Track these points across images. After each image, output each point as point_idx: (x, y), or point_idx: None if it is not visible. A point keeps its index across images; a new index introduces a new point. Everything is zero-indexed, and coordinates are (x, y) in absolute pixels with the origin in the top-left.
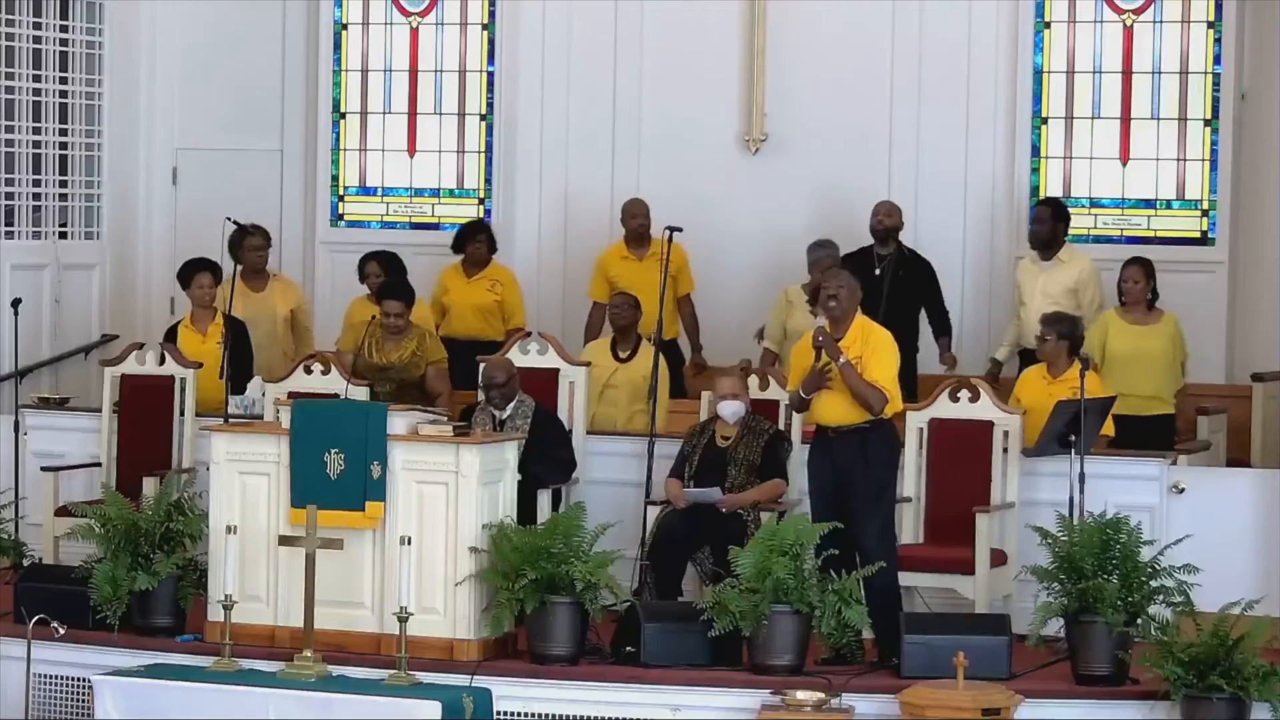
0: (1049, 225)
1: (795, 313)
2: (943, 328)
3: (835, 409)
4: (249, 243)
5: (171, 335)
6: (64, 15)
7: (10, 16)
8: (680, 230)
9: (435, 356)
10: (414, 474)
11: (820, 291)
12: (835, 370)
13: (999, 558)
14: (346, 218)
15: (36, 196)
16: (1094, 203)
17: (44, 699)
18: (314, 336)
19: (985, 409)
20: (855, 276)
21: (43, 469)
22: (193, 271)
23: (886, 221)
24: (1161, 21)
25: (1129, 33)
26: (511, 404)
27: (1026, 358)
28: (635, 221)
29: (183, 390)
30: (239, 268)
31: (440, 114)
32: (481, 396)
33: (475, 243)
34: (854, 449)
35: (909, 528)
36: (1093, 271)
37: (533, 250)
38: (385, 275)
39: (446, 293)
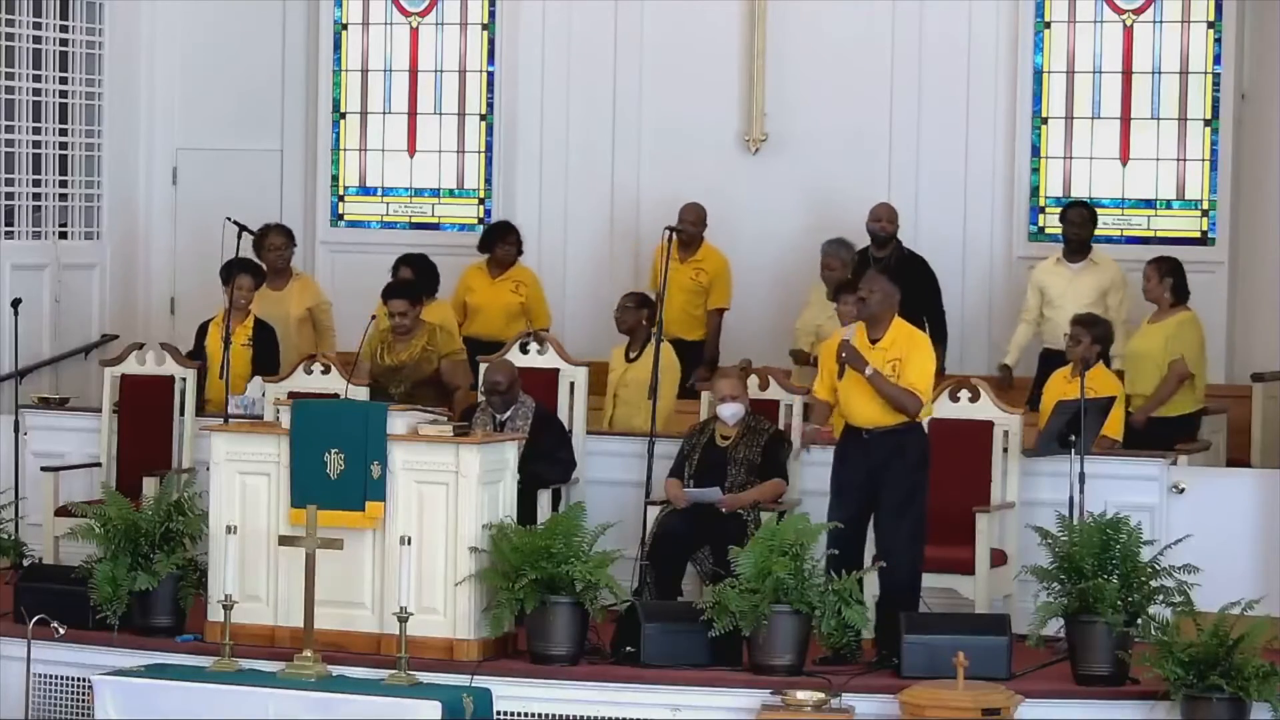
0: (1089, 228)
1: (807, 312)
2: (938, 335)
3: (869, 411)
4: (267, 242)
5: (202, 333)
6: (64, 15)
7: (10, 16)
8: (680, 230)
9: (447, 349)
10: (414, 474)
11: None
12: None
13: (999, 558)
14: (346, 218)
15: (36, 196)
16: (1094, 203)
17: (44, 699)
18: (335, 336)
19: (985, 409)
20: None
21: (43, 469)
22: (233, 272)
23: (889, 228)
24: (1161, 21)
25: (1129, 33)
26: (511, 407)
27: (1050, 359)
28: (681, 224)
29: (183, 390)
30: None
31: (440, 114)
32: (482, 398)
33: (506, 244)
34: (890, 450)
35: None
36: (1123, 275)
37: (532, 250)
38: (417, 278)
39: (471, 292)
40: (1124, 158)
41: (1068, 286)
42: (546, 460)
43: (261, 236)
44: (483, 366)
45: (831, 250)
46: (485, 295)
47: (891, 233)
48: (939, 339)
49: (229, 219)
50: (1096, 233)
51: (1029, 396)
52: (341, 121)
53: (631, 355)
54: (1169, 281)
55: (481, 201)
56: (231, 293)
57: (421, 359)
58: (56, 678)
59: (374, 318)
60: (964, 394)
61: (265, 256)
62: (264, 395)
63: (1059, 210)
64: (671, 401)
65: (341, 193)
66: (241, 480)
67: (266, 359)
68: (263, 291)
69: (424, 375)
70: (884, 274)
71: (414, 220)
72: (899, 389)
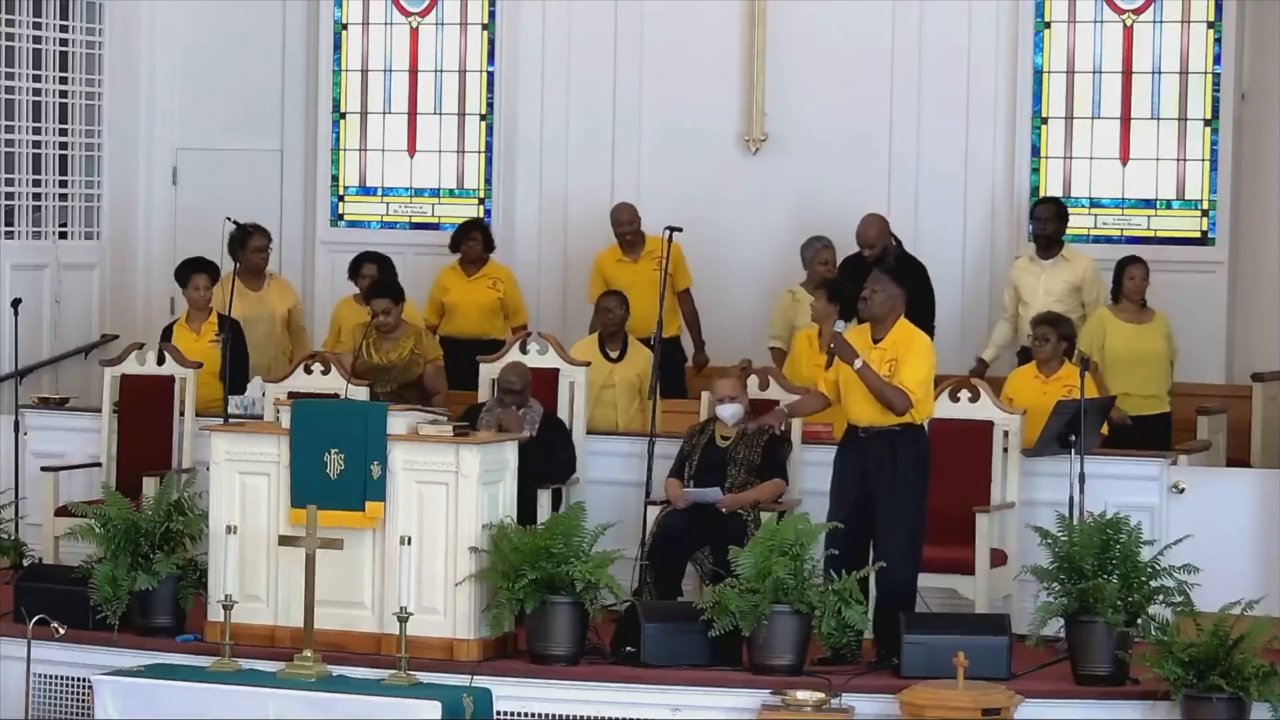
0: (1055, 224)
1: (801, 309)
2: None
3: (866, 410)
4: (253, 243)
5: (167, 335)
6: (64, 15)
7: (10, 16)
8: (680, 230)
9: (432, 354)
10: (414, 474)
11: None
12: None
13: (999, 558)
14: (346, 218)
15: (36, 196)
16: (1094, 203)
17: (44, 699)
18: (309, 337)
19: (985, 409)
20: (847, 286)
21: (43, 469)
22: (189, 272)
23: (872, 252)
24: (1161, 21)
25: (1129, 33)
26: (523, 409)
27: (1028, 356)
28: (621, 229)
29: (183, 390)
30: (236, 267)
31: (440, 114)
32: (485, 397)
33: (470, 241)
34: (883, 451)
35: None
36: (1096, 270)
37: (533, 250)
38: (380, 276)
39: (446, 292)
40: (1124, 158)
41: (1038, 283)
42: (547, 458)
43: (246, 237)
44: (483, 368)
45: (824, 245)
46: (461, 294)
47: (882, 250)
48: None
49: (229, 219)
50: (1098, 233)
51: None
52: (341, 121)
53: (613, 355)
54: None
55: (481, 201)
56: (232, 286)
57: (410, 361)
58: (56, 678)
59: (373, 316)
60: (964, 394)
61: (249, 257)
62: (264, 395)
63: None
64: (658, 401)
65: (341, 193)
66: (241, 480)
67: (235, 356)
68: (241, 291)
69: (411, 378)
70: (887, 274)
71: (414, 220)
72: (888, 385)
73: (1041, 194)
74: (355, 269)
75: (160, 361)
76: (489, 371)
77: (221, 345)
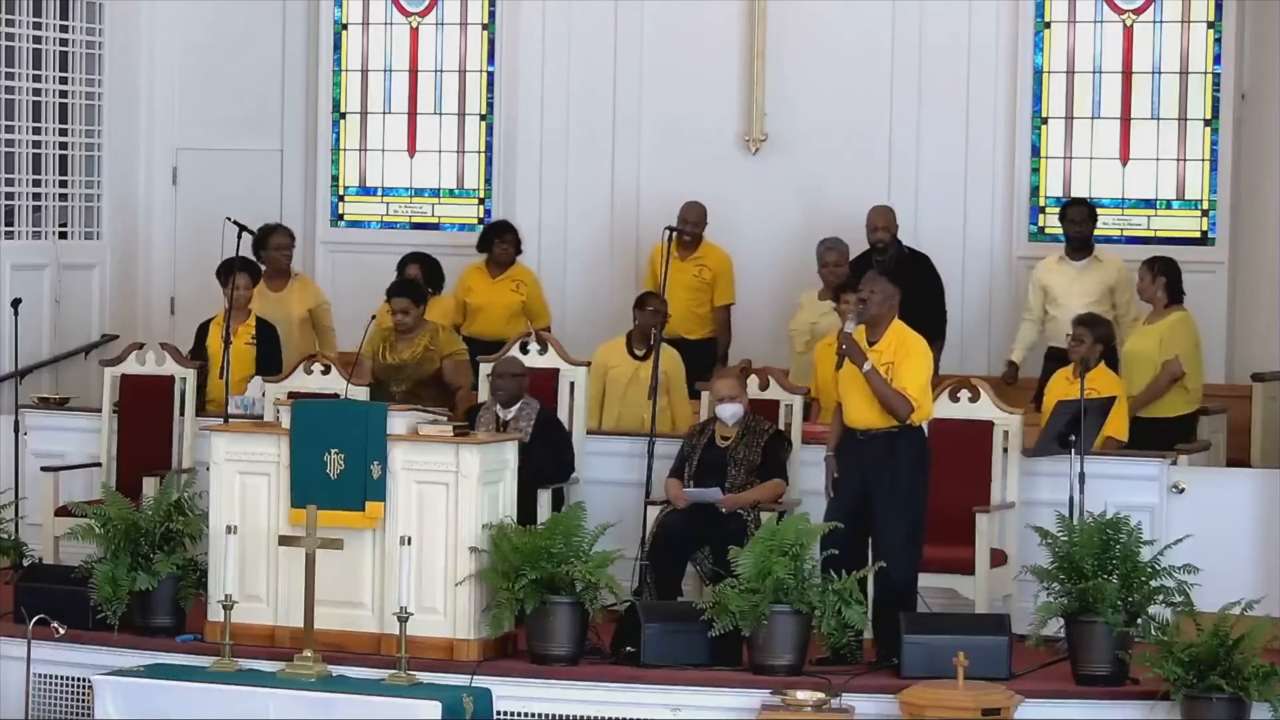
0: (1089, 225)
1: (800, 314)
2: (937, 334)
3: (863, 413)
4: (274, 241)
5: (202, 332)
6: (64, 15)
7: (10, 16)
8: (679, 231)
9: (449, 349)
10: (414, 474)
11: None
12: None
13: (999, 558)
14: (346, 218)
15: (36, 196)
16: (1094, 203)
17: (44, 699)
18: (335, 336)
19: (985, 409)
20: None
21: (43, 469)
22: (231, 271)
23: (885, 236)
24: (1161, 21)
25: (1129, 33)
26: (516, 405)
27: (1056, 359)
28: (682, 226)
29: (183, 390)
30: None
31: (440, 114)
32: (485, 397)
33: (503, 243)
34: (882, 453)
35: None
36: (1128, 273)
37: (532, 250)
38: (424, 275)
39: (470, 293)
40: (1124, 158)
41: (1071, 285)
42: (548, 461)
43: (266, 236)
44: (484, 367)
45: (827, 247)
46: (486, 295)
47: (890, 238)
48: (936, 337)
49: (229, 219)
50: (1096, 232)
51: (1035, 395)
52: (341, 121)
53: (639, 353)
54: (1162, 281)
55: (481, 201)
56: (231, 292)
57: (424, 358)
58: (56, 678)
59: (373, 317)
60: (964, 394)
61: (270, 257)
62: (264, 395)
63: (1059, 210)
64: (688, 402)
65: (341, 193)
66: (241, 480)
67: (269, 358)
68: (262, 291)
69: (426, 374)
70: (884, 275)
71: (414, 220)
72: (892, 391)
73: (1042, 194)
74: (401, 269)
75: (161, 362)
76: (488, 371)
77: (223, 345)
